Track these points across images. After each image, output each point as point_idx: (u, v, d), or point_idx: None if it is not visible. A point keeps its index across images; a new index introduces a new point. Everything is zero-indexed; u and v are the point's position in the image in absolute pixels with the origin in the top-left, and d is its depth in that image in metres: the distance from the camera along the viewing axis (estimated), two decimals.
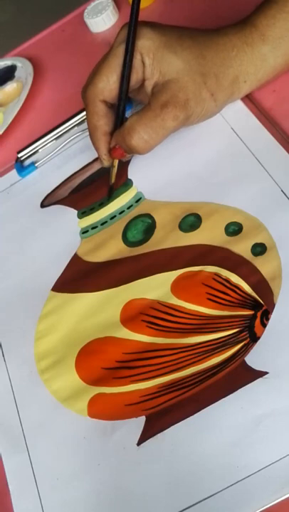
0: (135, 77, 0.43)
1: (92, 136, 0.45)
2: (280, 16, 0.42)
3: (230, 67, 0.43)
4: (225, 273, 0.40)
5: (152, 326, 0.41)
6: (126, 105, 0.43)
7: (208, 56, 0.42)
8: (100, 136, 0.45)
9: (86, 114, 0.45)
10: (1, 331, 0.47)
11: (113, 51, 0.42)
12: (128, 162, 0.50)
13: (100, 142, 0.45)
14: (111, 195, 0.49)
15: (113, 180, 0.48)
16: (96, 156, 0.52)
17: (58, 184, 0.53)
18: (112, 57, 0.42)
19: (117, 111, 0.44)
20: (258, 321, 0.38)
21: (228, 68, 0.42)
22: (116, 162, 0.47)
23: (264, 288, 0.39)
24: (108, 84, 0.43)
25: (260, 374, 0.36)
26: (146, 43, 0.41)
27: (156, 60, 0.41)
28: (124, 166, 0.50)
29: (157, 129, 0.42)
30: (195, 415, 0.36)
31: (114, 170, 0.47)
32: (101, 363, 0.41)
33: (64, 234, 0.49)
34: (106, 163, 0.46)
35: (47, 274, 0.47)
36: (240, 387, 0.36)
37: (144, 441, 0.37)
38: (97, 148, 0.45)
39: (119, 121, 0.44)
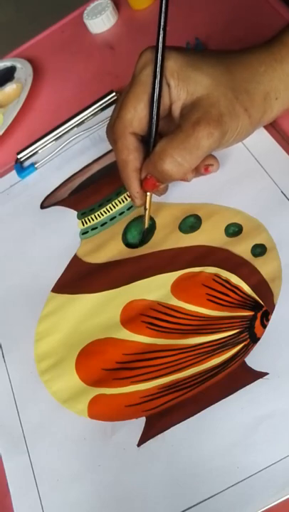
0: (161, 103, 0.39)
1: (122, 173, 0.41)
2: None
3: (261, 83, 0.39)
4: (225, 274, 0.40)
5: (152, 327, 0.41)
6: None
7: (235, 72, 0.39)
8: (131, 172, 0.41)
9: (114, 151, 0.41)
10: (1, 332, 0.47)
11: (135, 79, 0.39)
12: None
13: (131, 179, 0.41)
14: (144, 241, 0.45)
15: (147, 224, 0.44)
16: (96, 156, 0.52)
17: (57, 185, 0.53)
18: (135, 85, 0.39)
19: (148, 139, 0.40)
20: (258, 321, 0.38)
21: (258, 84, 0.39)
22: (149, 202, 0.42)
23: (264, 289, 0.39)
24: (136, 114, 0.39)
25: (261, 375, 0.36)
26: (169, 64, 0.38)
27: (182, 80, 0.38)
28: None
29: (191, 150, 0.38)
30: (195, 416, 0.36)
31: (148, 212, 0.43)
32: (101, 364, 0.41)
33: (64, 235, 0.49)
34: (139, 202, 0.42)
35: (47, 275, 0.47)
36: (241, 388, 0.36)
37: (145, 442, 0.37)
38: (128, 187, 0.41)
39: (151, 149, 0.40)
